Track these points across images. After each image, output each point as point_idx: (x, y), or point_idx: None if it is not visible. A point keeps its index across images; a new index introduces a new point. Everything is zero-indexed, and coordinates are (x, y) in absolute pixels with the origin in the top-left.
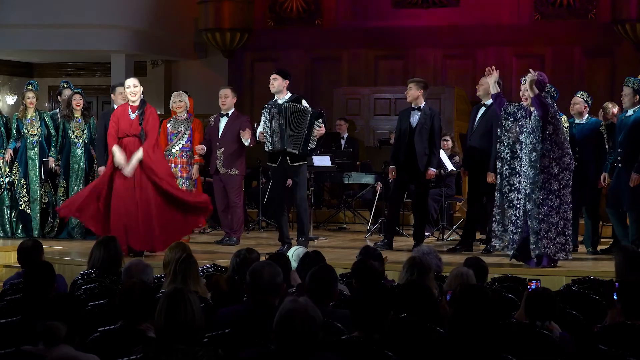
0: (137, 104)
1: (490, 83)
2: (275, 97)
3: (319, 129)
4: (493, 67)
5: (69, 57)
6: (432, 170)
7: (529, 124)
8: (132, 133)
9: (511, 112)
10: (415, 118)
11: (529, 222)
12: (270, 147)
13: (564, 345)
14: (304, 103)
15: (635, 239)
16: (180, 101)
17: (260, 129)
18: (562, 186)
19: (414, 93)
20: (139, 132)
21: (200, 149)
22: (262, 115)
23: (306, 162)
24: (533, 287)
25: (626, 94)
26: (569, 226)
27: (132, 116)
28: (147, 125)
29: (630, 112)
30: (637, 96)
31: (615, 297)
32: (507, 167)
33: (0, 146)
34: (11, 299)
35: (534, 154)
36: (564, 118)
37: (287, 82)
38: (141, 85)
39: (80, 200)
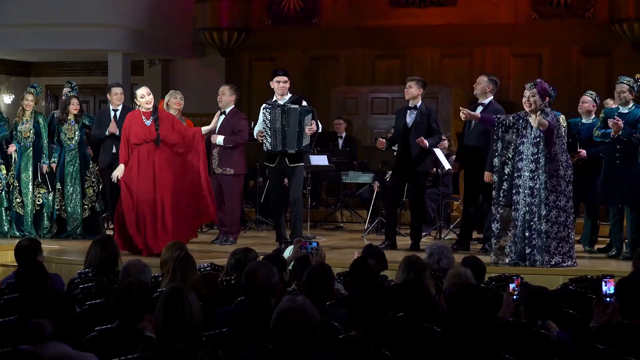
0: (150, 110)
1: (466, 116)
2: (275, 98)
3: (310, 126)
4: (460, 109)
5: (67, 56)
6: (425, 141)
7: (531, 135)
8: (150, 139)
9: (510, 124)
10: (411, 117)
11: (536, 238)
12: (269, 147)
13: (562, 345)
14: (304, 104)
15: (635, 238)
16: (180, 98)
17: (258, 128)
18: (567, 199)
19: (414, 92)
20: (155, 137)
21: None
22: (262, 114)
23: (303, 163)
24: (513, 285)
25: (623, 90)
26: (573, 234)
27: (147, 122)
28: (177, 127)
29: (626, 110)
30: (633, 93)
31: (603, 294)
32: (506, 179)
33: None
34: (8, 298)
35: (534, 165)
36: (562, 117)
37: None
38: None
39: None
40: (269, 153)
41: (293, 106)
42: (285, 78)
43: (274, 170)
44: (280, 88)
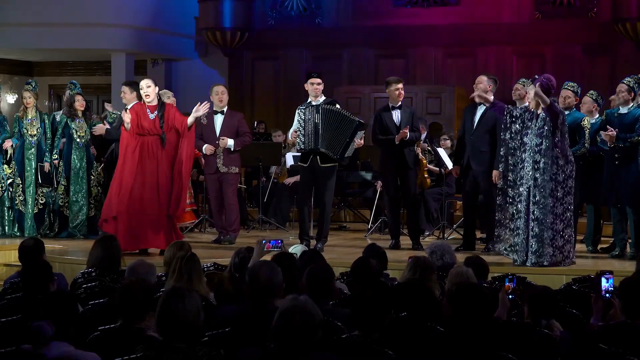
0: (154, 103)
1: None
2: (309, 99)
3: (359, 141)
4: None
5: (69, 55)
6: (407, 132)
7: (535, 125)
8: (154, 133)
9: (517, 115)
10: (397, 116)
11: (534, 228)
12: (302, 147)
13: (564, 344)
14: (337, 106)
15: (638, 239)
16: (172, 96)
17: (293, 128)
18: (565, 193)
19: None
20: (161, 134)
21: (210, 149)
22: (297, 115)
23: (336, 165)
24: (510, 284)
25: (621, 90)
26: (570, 231)
27: (152, 116)
28: (174, 121)
29: (625, 110)
30: (633, 93)
31: (603, 289)
32: (511, 170)
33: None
34: (11, 297)
35: (538, 156)
36: (586, 119)
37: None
38: (155, 85)
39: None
40: (302, 154)
41: (353, 117)
42: (319, 80)
43: (305, 171)
44: (315, 90)
